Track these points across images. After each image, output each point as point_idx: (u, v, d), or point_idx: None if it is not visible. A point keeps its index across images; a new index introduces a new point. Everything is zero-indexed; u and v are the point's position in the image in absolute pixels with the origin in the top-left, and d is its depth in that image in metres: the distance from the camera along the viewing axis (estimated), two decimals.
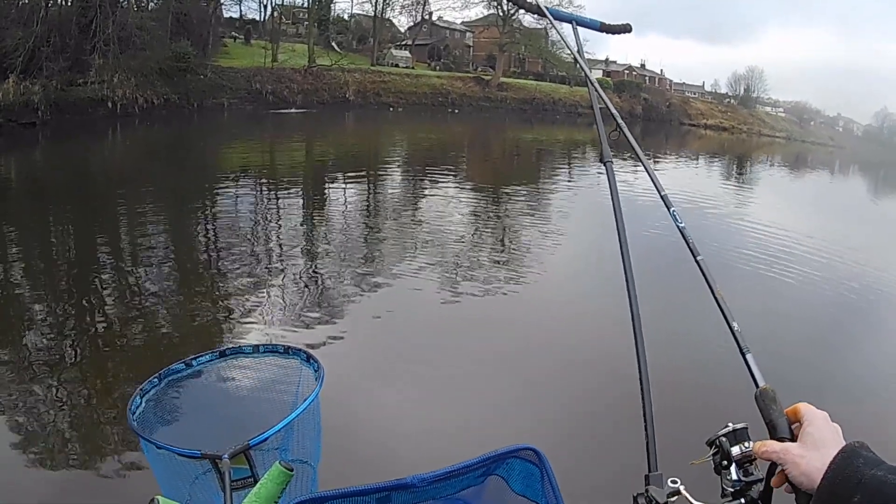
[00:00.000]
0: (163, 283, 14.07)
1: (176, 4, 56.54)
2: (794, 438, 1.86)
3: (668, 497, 2.00)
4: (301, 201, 24.74)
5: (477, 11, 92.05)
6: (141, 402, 3.60)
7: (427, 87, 79.01)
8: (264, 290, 13.49)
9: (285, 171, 32.83)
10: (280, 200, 24.54)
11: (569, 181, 35.14)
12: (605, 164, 3.06)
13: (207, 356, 4.01)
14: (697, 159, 56.08)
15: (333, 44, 79.60)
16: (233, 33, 74.53)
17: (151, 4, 59.93)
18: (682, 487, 2.01)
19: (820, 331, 14.09)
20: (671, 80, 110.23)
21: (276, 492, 2.73)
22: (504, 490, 2.58)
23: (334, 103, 68.05)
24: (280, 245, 17.54)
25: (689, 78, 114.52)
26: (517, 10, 78.50)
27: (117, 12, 48.92)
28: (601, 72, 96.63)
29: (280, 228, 19.59)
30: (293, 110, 63.18)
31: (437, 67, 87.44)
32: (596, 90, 3.34)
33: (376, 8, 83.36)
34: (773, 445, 1.84)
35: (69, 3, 48.52)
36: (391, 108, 72.85)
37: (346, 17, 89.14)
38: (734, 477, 1.92)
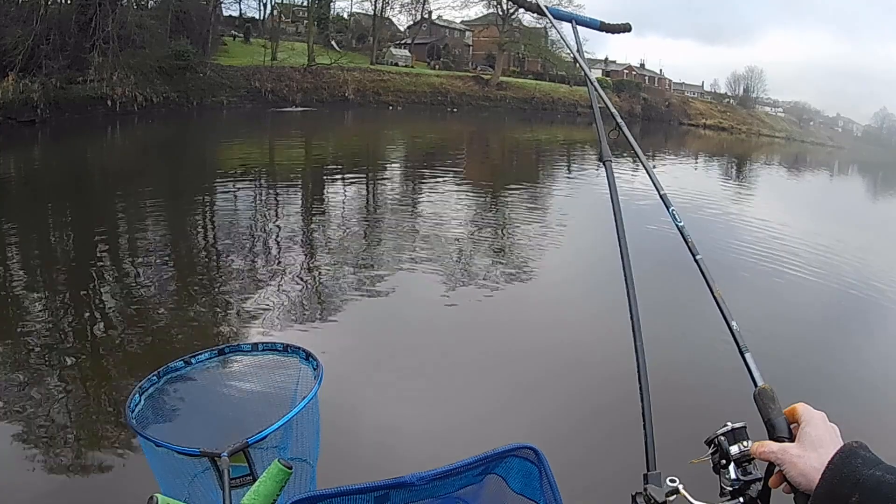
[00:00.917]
0: (161, 281, 14.05)
1: (175, 3, 56.71)
2: (792, 438, 1.86)
3: (666, 496, 1.99)
4: (300, 200, 24.77)
5: (476, 10, 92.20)
6: (140, 400, 3.60)
7: (426, 86, 79.05)
8: (263, 289, 13.46)
9: (285, 170, 32.84)
10: (279, 199, 24.59)
11: (568, 180, 35.23)
12: (604, 164, 3.05)
13: (206, 354, 4.00)
14: (696, 159, 56.18)
15: (333, 42, 79.64)
16: (232, 32, 74.50)
17: (151, 3, 60.05)
18: (680, 486, 2.00)
19: (819, 331, 14.11)
20: (670, 80, 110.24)
21: (276, 490, 2.73)
22: (503, 489, 2.59)
23: (334, 102, 68.19)
24: (279, 244, 17.53)
25: (689, 78, 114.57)
26: (517, 10, 78.58)
27: (117, 10, 48.98)
28: (600, 71, 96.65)
29: (279, 227, 19.57)
30: (296, 108, 63.34)
31: (437, 66, 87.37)
32: (595, 89, 3.32)
33: (376, 7, 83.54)
34: (770, 446, 1.84)
35: (69, 1, 48.55)
36: (390, 107, 72.95)
37: (345, 15, 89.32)
38: (733, 476, 1.92)
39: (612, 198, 2.86)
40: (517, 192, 28.94)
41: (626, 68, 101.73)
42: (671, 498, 1.99)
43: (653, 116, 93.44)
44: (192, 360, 3.93)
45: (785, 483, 1.82)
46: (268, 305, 12.58)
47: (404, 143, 49.64)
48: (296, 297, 13.27)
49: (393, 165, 37.47)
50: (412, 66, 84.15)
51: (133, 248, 16.80)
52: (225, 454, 3.22)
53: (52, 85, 43.08)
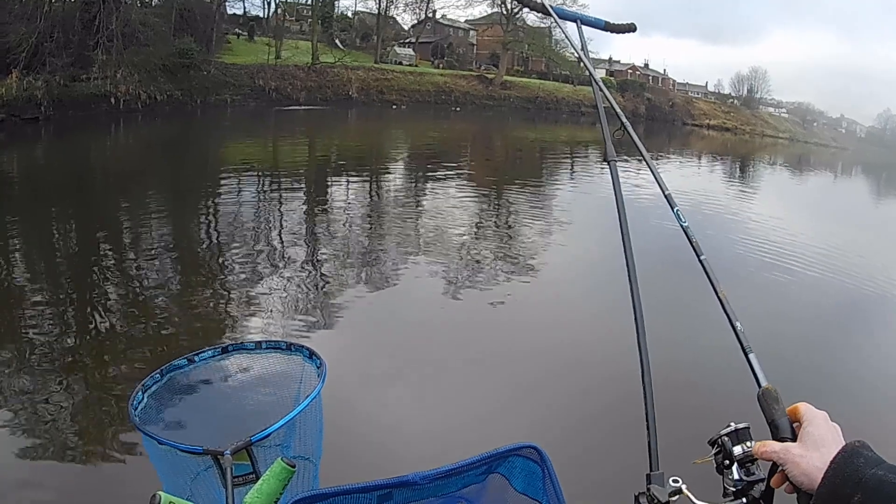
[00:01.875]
0: (164, 279, 14.08)
1: (179, 0, 56.62)
2: (795, 438, 1.87)
3: (669, 496, 2.01)
4: (304, 198, 24.67)
5: (480, 10, 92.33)
6: (143, 398, 3.60)
7: (430, 85, 79.04)
8: (266, 288, 13.46)
9: (288, 168, 32.88)
10: (283, 198, 24.51)
11: (572, 180, 35.23)
12: (608, 164, 3.07)
13: (210, 352, 4.00)
14: (700, 159, 56.09)
15: (337, 41, 79.63)
16: (236, 30, 74.40)
17: (155, 0, 60.02)
18: (683, 486, 2.02)
19: (822, 330, 14.10)
20: (674, 80, 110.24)
21: (279, 488, 2.74)
22: (505, 488, 2.61)
23: (338, 101, 68.17)
24: (282, 242, 17.49)
25: (693, 78, 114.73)
26: (521, 9, 78.41)
27: (121, 8, 48.98)
28: (605, 71, 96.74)
29: (282, 226, 19.55)
30: (301, 107, 63.42)
31: (441, 65, 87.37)
32: (601, 89, 3.34)
33: (380, 5, 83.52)
34: (773, 445, 1.85)
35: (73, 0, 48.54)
36: (394, 106, 72.93)
37: (349, 14, 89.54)
38: (736, 476, 1.94)
39: (616, 198, 2.90)
40: (521, 191, 28.85)
41: (630, 68, 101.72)
42: (674, 498, 2.01)
43: (657, 116, 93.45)
44: (196, 358, 3.93)
45: (787, 483, 1.83)
46: (270, 304, 12.58)
47: (408, 142, 49.65)
48: (298, 296, 13.26)
49: (397, 164, 37.41)
50: (416, 65, 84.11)
51: (136, 246, 16.84)
52: (228, 452, 3.21)
53: (55, 82, 43.18)
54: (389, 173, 33.22)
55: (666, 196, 2.80)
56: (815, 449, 1.77)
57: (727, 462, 1.96)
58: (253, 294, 13.10)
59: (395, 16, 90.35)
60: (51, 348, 10.28)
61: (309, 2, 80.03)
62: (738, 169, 53.45)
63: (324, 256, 16.31)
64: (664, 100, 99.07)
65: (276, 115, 57.75)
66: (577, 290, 15.16)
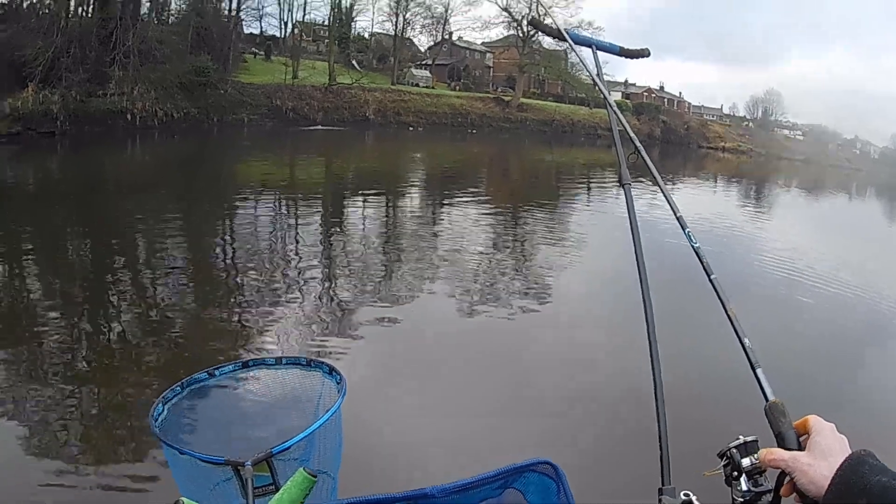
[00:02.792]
0: (179, 295, 14.13)
1: (196, 19, 56.93)
2: (801, 450, 1.90)
3: None
4: (320, 218, 24.74)
5: (497, 32, 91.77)
6: (163, 409, 3.54)
7: (447, 106, 79.08)
8: (280, 305, 13.50)
9: (305, 188, 32.89)
10: (300, 216, 24.68)
11: (587, 203, 35.17)
12: (623, 187, 3.10)
13: (230, 367, 3.95)
14: (716, 182, 56.03)
15: (354, 62, 79.63)
16: (253, 49, 74.49)
17: (172, 18, 60.25)
18: (694, 499, 2.08)
19: (835, 347, 14.19)
20: (690, 103, 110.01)
21: (299, 497, 2.74)
22: (521, 503, 2.60)
23: (354, 122, 68.25)
24: (299, 259, 17.59)
25: (708, 101, 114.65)
26: (537, 32, 78.38)
27: (138, 25, 49.30)
28: (620, 94, 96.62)
29: (299, 244, 19.62)
30: (321, 127, 63.55)
31: (457, 87, 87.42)
32: (615, 114, 3.37)
33: (396, 27, 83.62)
34: (781, 453, 1.88)
35: (90, 15, 48.90)
36: (411, 128, 72.98)
37: (366, 35, 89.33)
38: (744, 488, 1.96)
39: (630, 220, 2.94)
40: (536, 213, 28.86)
41: (645, 91, 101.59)
42: None
43: (672, 139, 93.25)
44: (216, 372, 3.88)
45: (795, 493, 1.85)
46: (286, 321, 12.62)
47: (425, 164, 49.73)
48: (314, 313, 13.28)
49: (413, 185, 37.56)
50: (433, 87, 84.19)
51: (151, 261, 16.96)
52: (249, 463, 3.20)
53: (71, 97, 43.46)
54: (406, 194, 33.32)
55: (678, 218, 2.81)
56: (822, 458, 1.80)
57: (735, 474, 1.97)
58: (268, 311, 13.14)
59: (411, 37, 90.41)
60: (63, 361, 10.39)
61: (326, 22, 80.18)
62: (753, 191, 53.37)
63: (340, 274, 16.38)
64: (679, 123, 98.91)
65: (293, 135, 57.86)
66: (591, 309, 15.23)
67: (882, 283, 20.80)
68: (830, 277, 20.20)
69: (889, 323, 16.89)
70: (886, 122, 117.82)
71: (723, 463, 2.02)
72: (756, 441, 1.98)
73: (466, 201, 31.01)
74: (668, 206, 2.87)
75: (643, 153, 3.10)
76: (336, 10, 78.23)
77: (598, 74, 3.69)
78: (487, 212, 28.34)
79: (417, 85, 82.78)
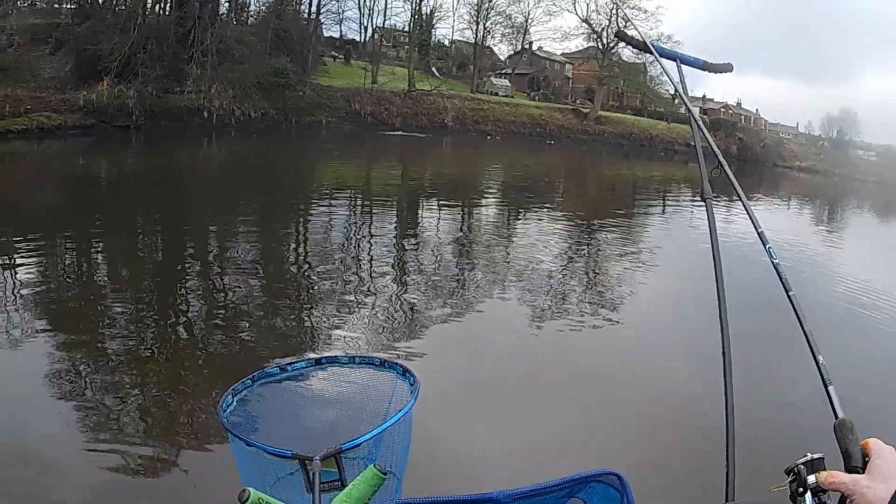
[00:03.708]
0: (248, 292, 14.20)
1: (276, 21, 57.76)
2: (864, 469, 1.90)
3: None
4: (395, 223, 24.91)
5: (577, 43, 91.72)
6: (232, 401, 3.71)
7: (525, 116, 79.07)
8: (351, 309, 13.45)
9: (381, 192, 33.31)
10: (374, 220, 24.83)
11: (663, 218, 35.01)
12: (705, 202, 3.10)
13: (303, 363, 4.12)
14: (789, 202, 55.59)
15: (434, 69, 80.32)
16: (332, 52, 75.51)
17: (251, 19, 61.18)
18: None
19: None
20: (766, 120, 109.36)
21: (368, 494, 2.86)
22: None
23: (433, 128, 68.74)
24: (371, 264, 17.62)
25: (784, 118, 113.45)
26: (617, 44, 78.92)
27: (216, 24, 50.12)
28: (698, 109, 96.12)
29: (371, 249, 19.64)
30: (401, 132, 64.30)
31: (536, 98, 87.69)
32: (700, 129, 3.39)
33: (477, 35, 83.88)
34: (841, 477, 1.88)
35: (167, 13, 50.10)
36: (489, 137, 73.04)
37: (446, 42, 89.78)
38: None
39: (711, 235, 2.95)
40: (612, 227, 28.73)
41: (723, 107, 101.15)
42: None
43: (748, 157, 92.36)
44: (288, 368, 4.03)
45: None
46: (355, 325, 12.59)
47: (502, 173, 49.85)
48: (384, 318, 13.24)
49: (489, 194, 37.63)
50: (512, 96, 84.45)
51: (222, 258, 17.12)
52: (317, 458, 3.28)
53: (147, 93, 44.61)
54: (481, 202, 33.24)
55: (759, 234, 2.83)
56: (882, 481, 1.82)
57: (801, 490, 1.97)
58: (337, 313, 13.12)
59: (491, 46, 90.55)
60: (129, 352, 10.48)
61: (406, 28, 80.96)
62: (826, 212, 52.95)
63: (412, 281, 16.25)
64: (756, 140, 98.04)
65: (371, 140, 58.69)
66: (663, 326, 14.92)
67: None
68: None
69: None
70: None
71: (789, 479, 2.01)
72: (822, 459, 1.99)
73: (542, 212, 30.99)
74: (750, 222, 2.89)
75: (726, 168, 3.11)
76: (416, 16, 78.99)
77: (682, 88, 3.72)
78: (562, 223, 28.32)
79: (496, 94, 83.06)
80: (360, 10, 75.28)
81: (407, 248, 20.20)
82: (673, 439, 9.13)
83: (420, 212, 28.31)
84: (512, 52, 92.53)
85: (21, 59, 43.81)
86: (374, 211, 26.83)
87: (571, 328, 13.77)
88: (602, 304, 15.89)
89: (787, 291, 2.51)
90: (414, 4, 77.91)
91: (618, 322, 14.68)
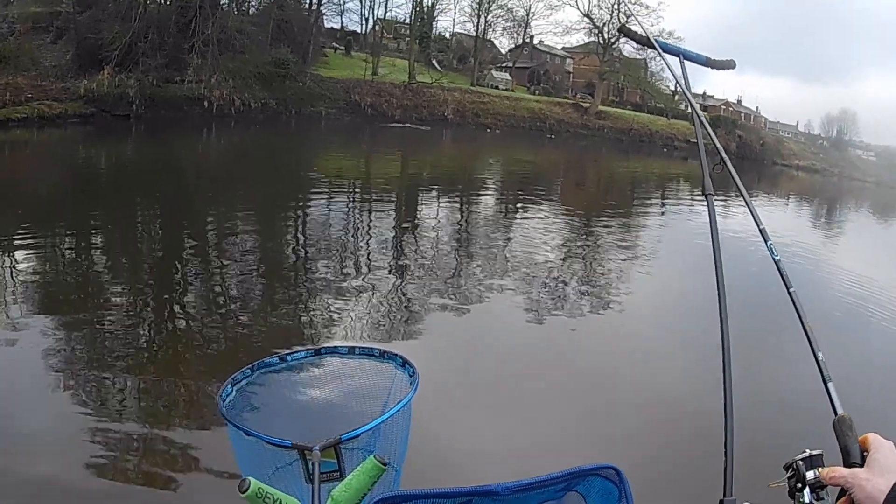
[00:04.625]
0: (246, 284, 14.24)
1: (277, 11, 57.78)
2: (863, 464, 1.96)
3: None
4: (393, 214, 24.92)
5: (578, 38, 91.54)
6: (231, 391, 3.69)
7: (526, 110, 79.11)
8: (348, 301, 13.46)
9: (380, 184, 33.33)
10: (372, 212, 24.83)
11: (661, 214, 34.98)
12: (706, 197, 3.09)
13: (302, 353, 4.07)
14: (787, 200, 55.58)
15: (434, 61, 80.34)
16: (333, 44, 75.63)
17: (252, 9, 61.08)
18: None
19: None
20: (766, 119, 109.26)
21: (368, 484, 2.88)
22: None
23: (433, 121, 68.69)
24: (368, 257, 17.58)
25: (784, 117, 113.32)
26: (618, 39, 79.35)
27: (217, 14, 50.02)
28: (699, 105, 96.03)
29: (369, 240, 19.70)
30: (405, 125, 64.25)
31: (537, 91, 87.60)
32: (703, 124, 3.42)
33: (478, 28, 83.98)
34: (840, 471, 1.94)
35: (168, 3, 50.25)
36: (489, 130, 72.99)
37: (447, 35, 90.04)
38: (807, 500, 2.03)
39: (711, 231, 2.93)
40: (610, 222, 28.73)
41: (723, 104, 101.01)
42: None
43: (747, 154, 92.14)
44: (287, 358, 3.99)
45: None
46: (352, 318, 12.63)
47: (501, 166, 49.95)
48: (381, 311, 13.27)
49: (489, 187, 37.64)
50: (512, 90, 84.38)
51: (220, 248, 17.11)
52: (317, 448, 3.28)
53: (148, 82, 44.73)
54: (481, 195, 33.28)
55: (761, 230, 2.85)
56: (880, 474, 1.87)
57: (800, 486, 2.03)
58: (334, 305, 13.13)
59: (492, 39, 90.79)
60: (127, 341, 10.47)
61: (407, 21, 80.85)
62: (825, 212, 52.97)
63: (409, 274, 16.29)
64: (755, 138, 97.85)
65: (371, 131, 58.67)
66: (660, 323, 14.93)
67: None
68: None
69: None
70: None
71: (788, 475, 2.07)
72: (821, 455, 2.05)
73: (541, 206, 30.92)
74: (752, 218, 2.93)
75: (728, 164, 3.22)
76: (418, 8, 78.76)
77: (685, 84, 3.76)
78: (561, 218, 28.36)
79: (497, 87, 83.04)
80: (361, 1, 75.61)
81: (405, 240, 20.22)
82: (671, 437, 9.16)
83: (420, 204, 28.34)
84: (513, 46, 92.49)
85: (22, 48, 43.77)
86: (374, 202, 26.87)
87: (567, 324, 13.85)
88: (600, 300, 15.89)
89: (787, 288, 2.54)
90: None
91: (615, 319, 14.72)
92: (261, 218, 21.05)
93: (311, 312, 12.85)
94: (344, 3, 75.09)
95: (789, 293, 2.53)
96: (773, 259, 2.67)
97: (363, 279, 15.15)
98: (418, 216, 25.16)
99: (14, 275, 13.18)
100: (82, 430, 7.72)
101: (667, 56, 3.85)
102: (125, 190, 23.59)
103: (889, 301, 18.93)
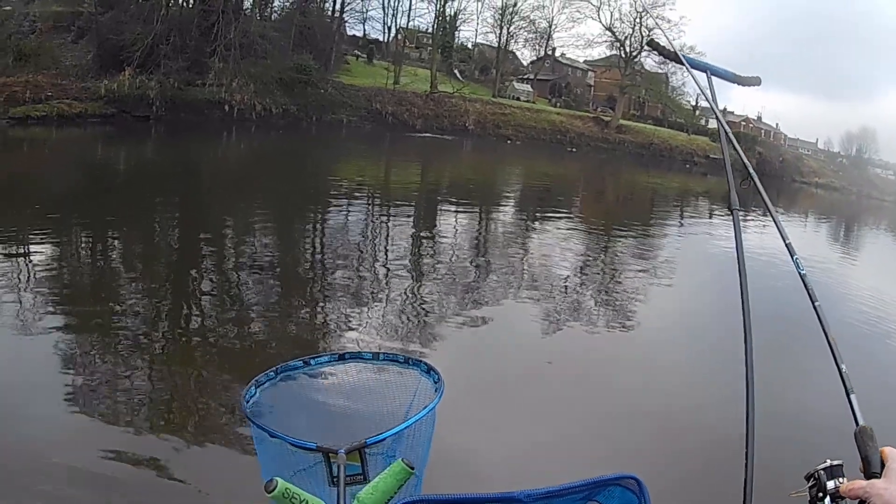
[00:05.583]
0: (263, 288, 14.22)
1: (300, 18, 58.05)
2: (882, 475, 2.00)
3: None
4: (411, 223, 24.80)
5: (600, 51, 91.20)
6: (255, 392, 3.74)
7: (546, 122, 78.88)
8: (365, 309, 13.44)
9: (399, 193, 33.18)
10: (391, 221, 24.71)
11: (679, 230, 34.94)
12: (732, 212, 3.14)
13: (326, 357, 4.12)
14: (807, 217, 55.49)
15: (456, 71, 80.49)
16: (355, 51, 75.76)
17: (275, 15, 61.40)
18: None
19: None
20: (786, 135, 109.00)
21: (394, 488, 2.91)
22: None
23: (454, 131, 68.71)
24: (386, 264, 17.56)
25: (804, 134, 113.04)
26: (639, 53, 79.18)
27: (240, 19, 50.33)
28: (725, 121, 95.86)
29: (388, 248, 19.67)
30: (427, 135, 64.32)
31: (558, 104, 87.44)
32: (730, 139, 3.48)
33: (500, 39, 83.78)
34: (858, 483, 1.99)
35: (191, 6, 50.51)
36: (509, 141, 72.88)
37: (469, 45, 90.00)
38: None
39: (737, 246, 3.00)
40: (628, 236, 28.71)
41: (743, 120, 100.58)
42: None
43: (766, 171, 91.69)
44: (311, 361, 4.05)
45: None
46: (368, 326, 12.56)
47: (521, 178, 50.00)
48: (397, 319, 13.20)
49: (508, 198, 37.60)
50: (533, 102, 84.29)
51: (237, 252, 17.18)
52: (342, 451, 3.28)
53: (169, 84, 45.01)
54: (499, 207, 33.30)
55: (787, 245, 2.89)
56: None
57: (820, 495, 2.06)
58: (350, 313, 13.09)
59: (514, 50, 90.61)
60: (140, 344, 10.42)
61: (430, 30, 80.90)
62: (843, 230, 52.91)
63: (426, 283, 16.20)
64: (775, 155, 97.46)
65: (391, 140, 58.86)
66: (678, 336, 14.88)
67: None
68: None
69: None
70: None
71: (809, 484, 2.11)
72: (841, 465, 2.08)
73: (560, 218, 30.91)
74: (778, 233, 2.96)
75: (756, 181, 3.19)
76: (440, 18, 78.89)
77: (712, 99, 3.77)
78: (580, 230, 28.33)
79: (518, 98, 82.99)
80: (384, 9, 75.58)
81: (423, 249, 20.17)
82: (688, 448, 9.12)
83: (438, 213, 28.31)
84: (535, 58, 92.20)
85: (43, 46, 44.09)
86: (392, 211, 26.76)
87: (583, 336, 13.79)
88: (616, 312, 15.87)
89: (812, 302, 2.55)
90: (438, 6, 77.90)
91: (632, 331, 14.65)
92: (279, 223, 21.10)
93: (327, 320, 12.80)
94: (367, 11, 75.39)
95: (814, 306, 2.53)
96: (799, 273, 2.67)
97: (379, 289, 15.11)
98: (437, 226, 25.15)
99: (28, 271, 13.19)
100: (93, 429, 7.68)
101: (694, 71, 3.84)
102: (143, 190, 23.70)
103: None
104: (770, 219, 3.18)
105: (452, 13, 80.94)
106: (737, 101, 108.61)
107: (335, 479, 3.24)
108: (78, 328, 10.70)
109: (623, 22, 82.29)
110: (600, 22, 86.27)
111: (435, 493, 2.43)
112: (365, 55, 75.48)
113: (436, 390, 3.78)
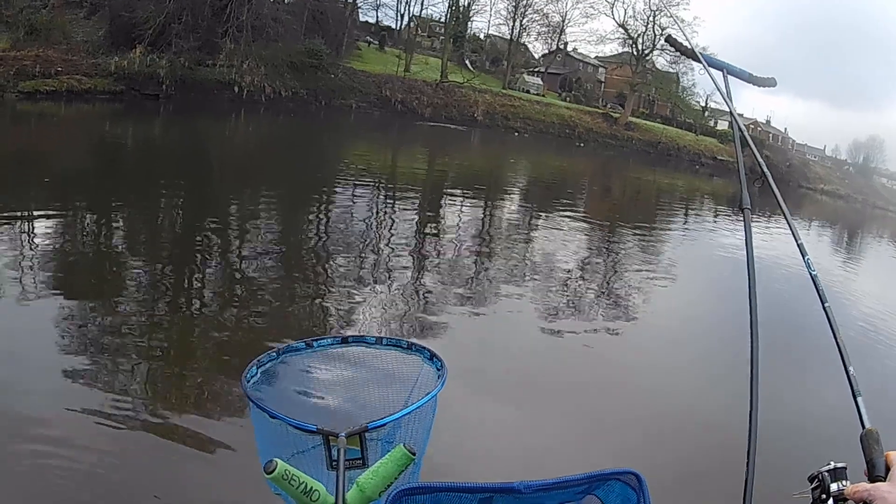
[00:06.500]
0: (265, 272, 14.20)
1: (313, 2, 58.07)
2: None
3: None
4: (416, 212, 24.81)
5: (612, 48, 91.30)
6: (256, 372, 3.68)
7: (555, 116, 78.86)
8: (366, 296, 13.46)
9: (405, 181, 33.22)
10: (396, 209, 24.79)
11: (684, 229, 34.96)
12: (742, 211, 3.13)
13: (329, 340, 4.04)
14: (810, 223, 55.47)
15: (467, 62, 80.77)
16: (367, 38, 75.81)
17: None
18: None
19: None
20: (794, 140, 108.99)
21: (395, 473, 2.85)
22: None
23: (462, 121, 68.67)
24: (389, 253, 17.54)
25: (811, 140, 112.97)
26: (651, 51, 79.10)
27: (253, 1, 50.14)
28: (727, 123, 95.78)
29: (391, 237, 19.63)
30: (440, 123, 64.23)
31: (568, 99, 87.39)
32: (745, 139, 3.54)
33: (512, 31, 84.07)
34: (862, 485, 2.02)
35: None
36: (517, 133, 72.80)
37: (481, 36, 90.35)
38: None
39: (746, 245, 2.98)
40: (632, 233, 28.65)
41: (751, 123, 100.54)
42: None
43: (773, 175, 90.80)
44: (314, 343, 3.97)
45: None
46: (369, 313, 12.61)
47: (528, 171, 49.98)
48: (399, 308, 13.23)
49: (513, 190, 37.58)
50: (543, 95, 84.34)
51: (241, 234, 17.17)
52: (343, 434, 3.24)
53: (179, 63, 45.04)
54: (505, 198, 33.26)
55: (798, 245, 2.93)
56: None
57: (823, 497, 2.09)
58: (352, 300, 13.12)
59: (526, 43, 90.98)
60: (141, 323, 10.41)
61: (442, 19, 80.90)
62: (846, 238, 52.96)
63: (428, 273, 16.25)
64: (782, 159, 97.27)
65: (400, 127, 58.91)
66: (679, 336, 14.88)
67: None
68: None
69: None
70: None
71: (813, 486, 2.13)
72: (845, 468, 2.11)
73: (565, 213, 30.86)
74: (791, 234, 3.00)
75: (771, 181, 3.32)
76: (454, 7, 78.63)
77: (728, 98, 3.79)
78: (584, 225, 28.32)
79: (528, 91, 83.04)
80: None
81: (427, 238, 20.18)
82: (689, 448, 9.15)
83: (443, 203, 28.20)
84: (546, 52, 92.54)
85: (54, 21, 43.99)
86: (398, 199, 26.84)
87: (585, 331, 13.73)
88: (618, 309, 15.88)
89: (822, 303, 2.58)
90: None
91: (633, 329, 14.66)
92: (284, 207, 21.10)
93: (328, 305, 12.80)
94: None
95: (824, 308, 2.57)
96: (810, 274, 2.72)
97: (381, 277, 15.14)
98: (441, 216, 25.13)
99: (32, 247, 13.21)
100: (93, 410, 7.62)
101: (711, 70, 3.83)
102: (150, 169, 23.69)
103: None
104: (781, 220, 3.20)
105: (466, 3, 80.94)
106: (746, 104, 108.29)
107: (334, 463, 3.19)
108: (78, 302, 10.75)
109: (636, 19, 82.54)
110: (614, 18, 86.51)
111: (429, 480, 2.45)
112: (377, 42, 75.56)
113: (438, 377, 3.71)
